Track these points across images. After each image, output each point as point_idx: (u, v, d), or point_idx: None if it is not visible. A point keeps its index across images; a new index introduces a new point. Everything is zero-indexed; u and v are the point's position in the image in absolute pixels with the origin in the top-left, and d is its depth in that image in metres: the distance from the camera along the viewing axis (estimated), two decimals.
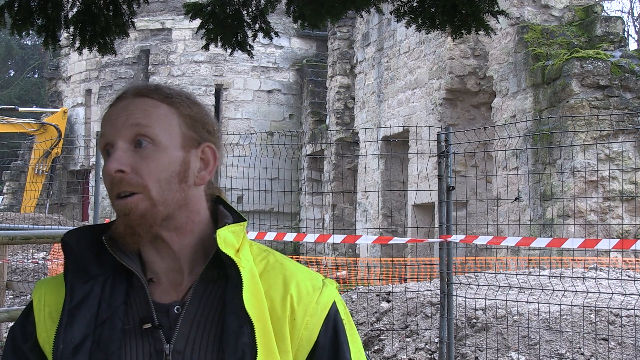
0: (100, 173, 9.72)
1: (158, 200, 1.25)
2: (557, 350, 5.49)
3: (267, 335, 1.25)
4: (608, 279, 5.98)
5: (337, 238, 7.76)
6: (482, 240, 5.70)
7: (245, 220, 1.35)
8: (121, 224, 1.25)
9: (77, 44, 4.99)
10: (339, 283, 11.92)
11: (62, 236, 1.32)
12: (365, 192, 15.39)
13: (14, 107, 23.40)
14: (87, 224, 16.65)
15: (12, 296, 10.96)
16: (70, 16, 4.89)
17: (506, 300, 5.84)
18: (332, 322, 1.30)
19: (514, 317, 5.99)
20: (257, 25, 5.29)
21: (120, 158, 1.24)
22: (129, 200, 1.24)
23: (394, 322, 6.67)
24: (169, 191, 1.26)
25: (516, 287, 6.14)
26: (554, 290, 5.73)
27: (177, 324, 1.26)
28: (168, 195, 1.26)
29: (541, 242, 5.83)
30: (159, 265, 1.30)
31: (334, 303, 1.32)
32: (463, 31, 4.83)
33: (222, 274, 1.28)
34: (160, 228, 1.27)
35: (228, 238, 1.29)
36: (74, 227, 1.39)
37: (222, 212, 1.35)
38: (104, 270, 1.30)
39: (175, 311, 1.27)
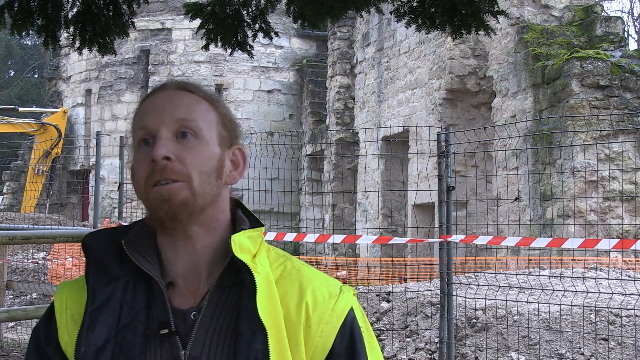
0: (101, 173, 9.69)
1: (198, 191, 1.26)
2: (557, 350, 5.49)
3: (281, 342, 1.24)
4: (608, 279, 5.98)
5: (337, 238, 7.75)
6: (482, 240, 5.70)
7: (262, 225, 1.34)
8: (161, 210, 1.24)
9: (77, 44, 4.99)
10: None
11: (83, 238, 1.33)
12: (365, 192, 15.39)
13: (14, 107, 23.37)
14: (87, 224, 16.65)
15: (12, 296, 10.96)
16: (70, 16, 4.89)
17: (506, 300, 5.83)
18: (349, 330, 1.29)
19: (514, 317, 5.99)
20: (257, 25, 5.29)
21: (166, 145, 1.25)
22: (171, 187, 1.24)
23: (394, 322, 6.67)
24: (208, 184, 1.27)
25: (516, 287, 6.14)
26: (554, 290, 5.73)
27: (193, 330, 1.26)
28: (207, 188, 1.27)
29: (541, 242, 5.83)
30: (177, 266, 1.30)
31: (351, 311, 1.30)
32: (463, 31, 4.83)
33: (239, 280, 1.28)
34: (194, 220, 1.27)
35: (244, 243, 1.28)
36: (96, 230, 1.40)
37: (239, 216, 1.35)
38: (125, 273, 1.29)
39: (192, 317, 1.27)
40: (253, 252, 1.30)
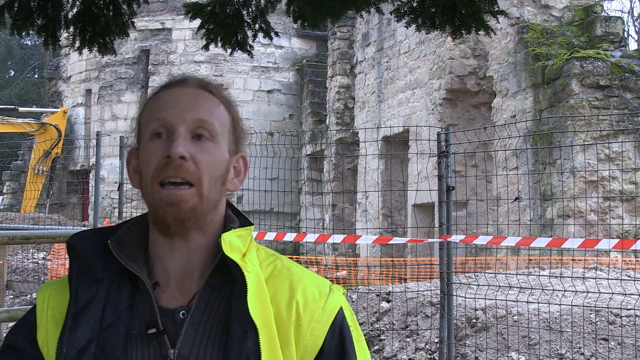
0: (101, 173, 9.70)
1: (205, 197, 1.25)
2: (557, 350, 5.49)
3: (271, 341, 1.24)
4: (608, 279, 5.98)
5: (337, 238, 7.75)
6: (482, 240, 5.70)
7: (252, 224, 1.34)
8: (169, 214, 1.23)
9: (77, 44, 4.99)
10: (339, 283, 11.93)
11: (68, 239, 1.31)
12: (365, 192, 15.39)
13: (14, 107, 23.39)
14: (87, 224, 16.66)
15: (12, 296, 10.96)
16: (70, 16, 4.89)
17: (506, 300, 5.83)
18: (339, 329, 1.29)
19: (514, 317, 5.99)
20: (257, 25, 5.29)
21: (184, 144, 1.24)
22: (183, 192, 1.23)
23: (394, 322, 6.67)
24: (214, 190, 1.27)
25: (516, 287, 6.14)
26: (554, 290, 5.73)
27: (182, 329, 1.25)
28: (213, 193, 1.27)
29: (541, 242, 5.83)
30: (169, 266, 1.29)
31: (341, 309, 1.31)
32: (463, 31, 4.82)
33: (229, 279, 1.27)
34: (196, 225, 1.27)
35: (234, 242, 1.28)
36: (80, 230, 1.39)
37: (229, 215, 1.34)
38: (110, 274, 1.28)
39: (181, 316, 1.26)
40: (243, 250, 1.30)
